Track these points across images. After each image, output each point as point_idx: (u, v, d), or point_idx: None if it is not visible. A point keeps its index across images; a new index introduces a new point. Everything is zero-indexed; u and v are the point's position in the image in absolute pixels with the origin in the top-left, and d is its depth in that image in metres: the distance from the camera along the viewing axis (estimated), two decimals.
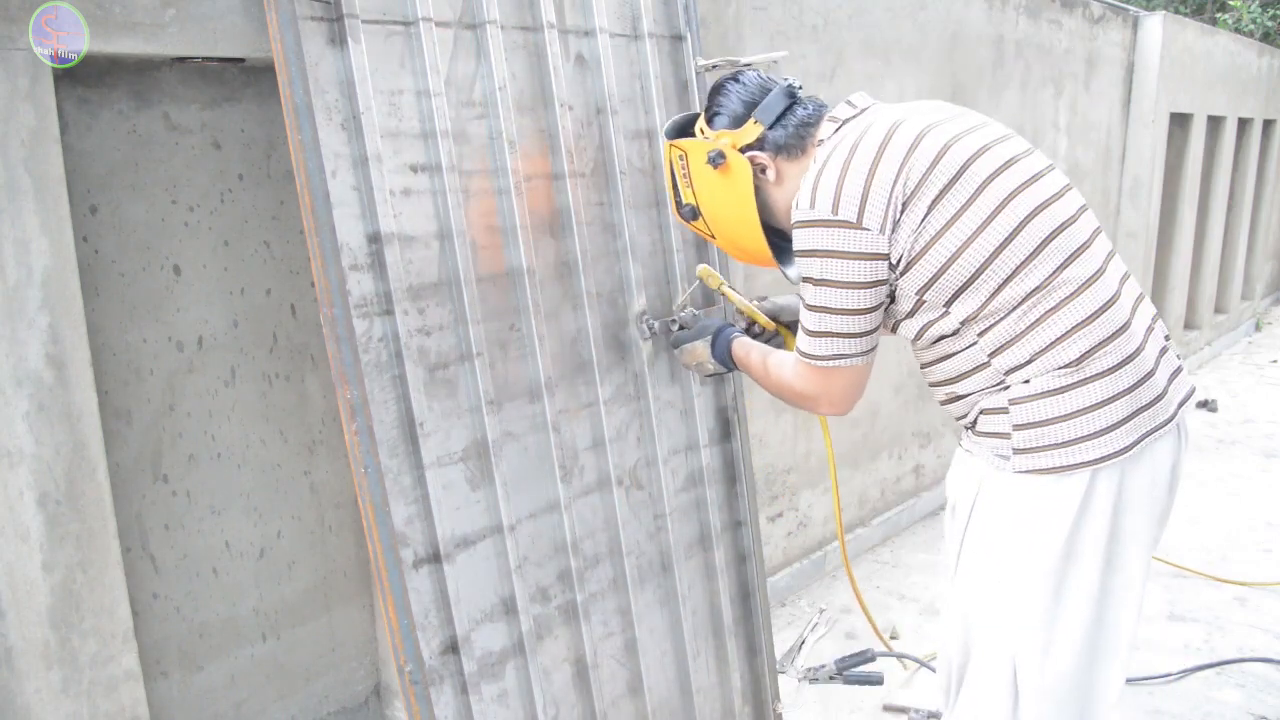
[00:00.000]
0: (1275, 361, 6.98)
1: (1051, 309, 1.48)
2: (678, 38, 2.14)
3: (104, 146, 1.76)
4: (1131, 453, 1.50)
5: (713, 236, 1.80)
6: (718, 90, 1.72)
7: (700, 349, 1.94)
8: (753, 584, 2.32)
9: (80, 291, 1.58)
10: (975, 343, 1.54)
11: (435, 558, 1.70)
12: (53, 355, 1.55)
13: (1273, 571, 3.56)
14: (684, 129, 1.78)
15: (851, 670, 2.34)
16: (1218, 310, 7.28)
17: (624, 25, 2.03)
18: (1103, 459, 1.49)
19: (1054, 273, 1.49)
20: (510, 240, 1.81)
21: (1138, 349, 1.51)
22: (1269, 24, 10.92)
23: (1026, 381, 1.51)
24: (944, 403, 1.67)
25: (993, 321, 1.51)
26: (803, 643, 2.63)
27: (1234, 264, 7.42)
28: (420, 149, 1.68)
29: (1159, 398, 1.53)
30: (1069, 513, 1.51)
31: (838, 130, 1.61)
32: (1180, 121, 5.93)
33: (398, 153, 1.65)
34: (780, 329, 2.03)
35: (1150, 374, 1.52)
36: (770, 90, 1.67)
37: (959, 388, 1.61)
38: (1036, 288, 1.48)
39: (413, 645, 1.66)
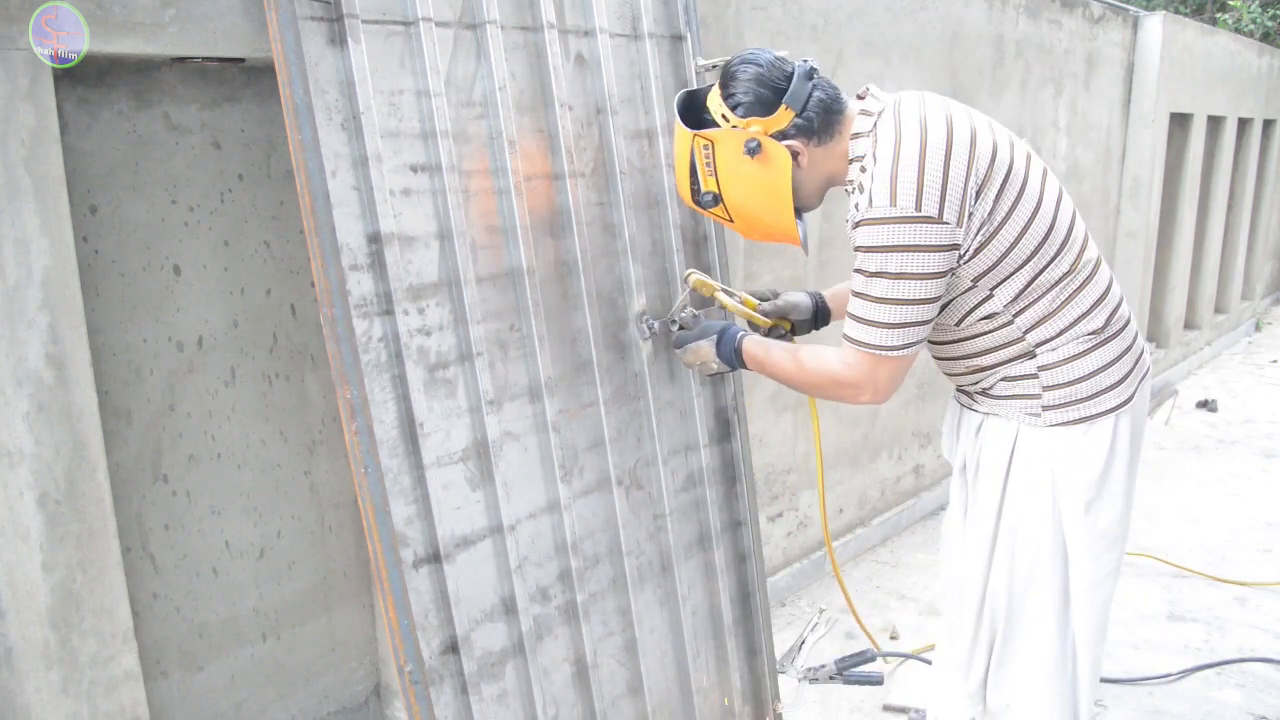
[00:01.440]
0: (1275, 361, 6.98)
1: (1078, 289, 1.70)
2: (678, 38, 2.14)
3: (104, 146, 1.76)
4: (1134, 398, 1.77)
5: (730, 220, 1.81)
6: (734, 75, 1.68)
7: (705, 348, 1.94)
8: (753, 584, 2.32)
9: (80, 291, 1.58)
10: (1011, 321, 1.70)
11: (435, 558, 1.70)
12: (53, 355, 1.55)
13: (1273, 571, 3.56)
14: (694, 112, 1.75)
15: (851, 670, 2.35)
16: (1218, 310, 7.28)
17: (624, 25, 2.03)
18: (1118, 406, 1.74)
19: (1077, 257, 1.70)
20: (510, 240, 1.81)
21: (1130, 312, 1.79)
22: (1269, 24, 10.92)
23: (1054, 350, 1.71)
24: (960, 373, 1.83)
25: (1030, 301, 1.68)
26: (803, 643, 2.63)
27: (1234, 264, 7.42)
28: (420, 149, 1.68)
29: (1142, 351, 1.82)
30: (1101, 454, 1.74)
31: (875, 125, 1.64)
32: (1180, 121, 5.93)
33: (398, 153, 1.65)
34: (786, 326, 2.04)
35: (1137, 333, 1.81)
36: (790, 73, 1.67)
37: (983, 360, 1.77)
38: (1067, 272, 1.69)
39: (413, 645, 1.66)
